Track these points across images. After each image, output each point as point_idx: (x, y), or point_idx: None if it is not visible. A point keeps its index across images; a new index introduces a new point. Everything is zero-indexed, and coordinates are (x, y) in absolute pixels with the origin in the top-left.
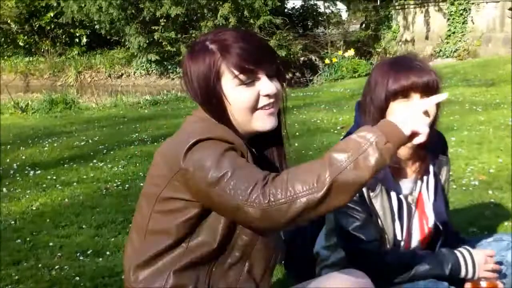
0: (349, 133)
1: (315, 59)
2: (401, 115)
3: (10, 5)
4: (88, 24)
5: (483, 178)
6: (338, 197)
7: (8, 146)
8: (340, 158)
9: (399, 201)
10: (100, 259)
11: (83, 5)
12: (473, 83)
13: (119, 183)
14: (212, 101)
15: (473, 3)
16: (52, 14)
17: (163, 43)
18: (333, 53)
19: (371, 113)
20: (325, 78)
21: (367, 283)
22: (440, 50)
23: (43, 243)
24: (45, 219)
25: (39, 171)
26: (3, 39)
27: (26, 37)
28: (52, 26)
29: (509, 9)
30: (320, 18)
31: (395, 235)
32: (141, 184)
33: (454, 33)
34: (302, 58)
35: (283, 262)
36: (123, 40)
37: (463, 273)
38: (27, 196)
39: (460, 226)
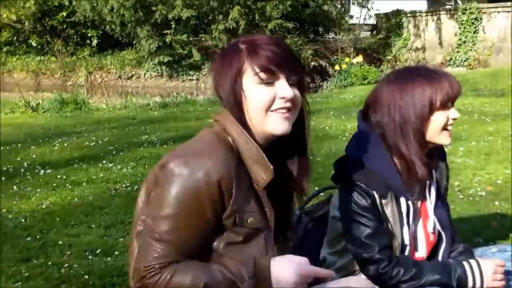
0: (352, 146)
1: (325, 65)
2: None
3: (29, 4)
4: (99, 25)
5: (490, 189)
6: None
7: (19, 145)
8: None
9: (408, 207)
10: (109, 258)
11: (95, 5)
12: (482, 93)
13: (128, 184)
14: (232, 97)
15: (484, 13)
16: (64, 14)
17: (175, 46)
18: (342, 59)
19: (409, 129)
20: (334, 84)
21: None
22: (451, 59)
23: (52, 241)
24: (55, 218)
25: (49, 170)
26: (15, 38)
27: (38, 36)
28: (64, 26)
29: None
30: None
31: (403, 240)
32: None
33: (465, 42)
34: (312, 64)
35: None
36: (134, 42)
37: (470, 284)
38: (37, 195)
39: (465, 236)
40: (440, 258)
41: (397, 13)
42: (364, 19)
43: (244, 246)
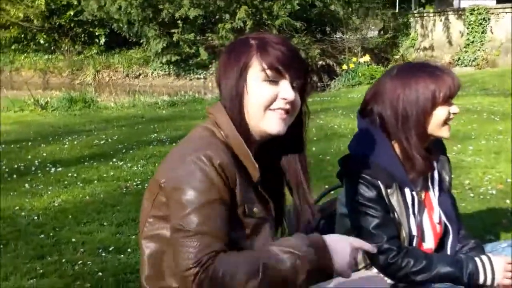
0: (355, 144)
1: (333, 64)
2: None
3: (38, 2)
4: (107, 24)
5: (501, 187)
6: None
7: (29, 143)
8: (280, 257)
9: (412, 197)
10: (122, 255)
11: (103, 4)
12: (491, 92)
13: (138, 182)
14: (234, 90)
15: (492, 13)
16: (72, 13)
17: (182, 45)
18: (350, 59)
19: (411, 122)
20: (342, 84)
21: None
22: (459, 59)
23: (65, 238)
24: (67, 215)
25: (60, 168)
26: (23, 36)
27: (46, 35)
28: (72, 25)
29: None
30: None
31: (410, 231)
32: None
33: (473, 42)
34: (320, 63)
35: None
36: (141, 41)
37: (481, 279)
38: (49, 193)
39: (477, 234)
40: (448, 251)
41: (405, 13)
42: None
43: (253, 237)
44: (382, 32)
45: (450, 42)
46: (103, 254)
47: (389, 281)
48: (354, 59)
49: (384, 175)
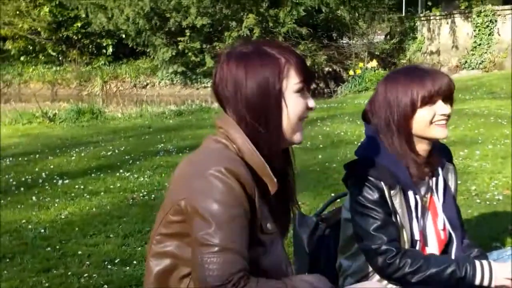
0: (362, 149)
1: (339, 70)
2: None
3: (43, 12)
4: (114, 34)
5: (507, 193)
6: None
7: (37, 155)
8: None
9: (416, 201)
10: (127, 268)
11: (110, 16)
12: (498, 95)
13: (145, 193)
14: (267, 104)
15: (499, 15)
16: (79, 25)
17: (188, 54)
18: (356, 64)
19: (393, 126)
20: (349, 89)
21: None
22: (466, 62)
23: (72, 251)
24: (74, 227)
25: (67, 180)
26: (31, 48)
27: (54, 46)
28: (79, 36)
29: None
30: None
31: (412, 234)
32: None
33: (480, 44)
34: (326, 69)
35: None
36: (148, 51)
37: (477, 280)
38: (56, 205)
39: (483, 241)
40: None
41: (411, 16)
42: None
43: (268, 254)
44: (388, 36)
45: (457, 46)
46: (109, 267)
47: (389, 286)
48: (361, 64)
49: (388, 176)
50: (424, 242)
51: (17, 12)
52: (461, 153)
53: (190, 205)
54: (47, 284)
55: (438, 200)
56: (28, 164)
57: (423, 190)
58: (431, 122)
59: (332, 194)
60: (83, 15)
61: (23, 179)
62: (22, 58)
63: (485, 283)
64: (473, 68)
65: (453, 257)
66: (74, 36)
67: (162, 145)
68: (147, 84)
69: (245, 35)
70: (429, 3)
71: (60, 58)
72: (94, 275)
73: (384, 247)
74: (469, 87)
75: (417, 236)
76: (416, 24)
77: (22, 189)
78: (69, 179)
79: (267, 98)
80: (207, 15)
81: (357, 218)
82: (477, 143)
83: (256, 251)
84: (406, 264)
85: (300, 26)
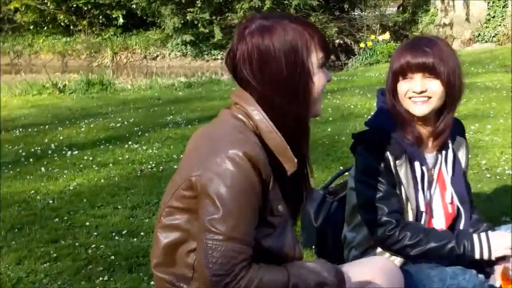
0: (370, 119)
1: (350, 43)
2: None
3: None
4: (124, 5)
5: None
6: None
7: (47, 126)
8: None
9: (422, 172)
10: (135, 239)
11: None
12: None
13: (153, 165)
14: (295, 79)
15: None
16: None
17: (198, 25)
18: (368, 37)
19: (387, 92)
20: (360, 62)
21: (395, 270)
22: (479, 35)
23: (80, 222)
24: (82, 199)
25: (76, 152)
26: (41, 19)
27: (63, 17)
28: (89, 7)
29: None
30: (357, 1)
31: (418, 206)
32: (175, 166)
33: (493, 17)
34: (337, 41)
35: (313, 247)
36: (158, 21)
37: (477, 254)
38: (64, 176)
39: (493, 215)
40: None
41: None
42: None
43: (277, 235)
44: (401, 8)
45: (470, 18)
46: (116, 238)
47: (397, 261)
48: (372, 37)
49: (394, 146)
50: (431, 215)
51: None
52: (472, 127)
53: (202, 184)
54: (55, 255)
55: (447, 173)
56: (38, 135)
57: (431, 163)
58: (407, 97)
59: (341, 167)
60: None
61: (32, 150)
62: (31, 28)
63: (485, 256)
64: (486, 41)
65: None
66: (84, 7)
67: (171, 117)
68: (157, 56)
69: (256, 6)
70: None
71: (70, 28)
72: (101, 246)
73: (384, 218)
74: (481, 60)
75: (422, 208)
76: None
77: (31, 160)
78: (78, 150)
79: (296, 72)
80: None
81: (360, 188)
82: (489, 117)
83: (263, 231)
84: (406, 237)
85: None
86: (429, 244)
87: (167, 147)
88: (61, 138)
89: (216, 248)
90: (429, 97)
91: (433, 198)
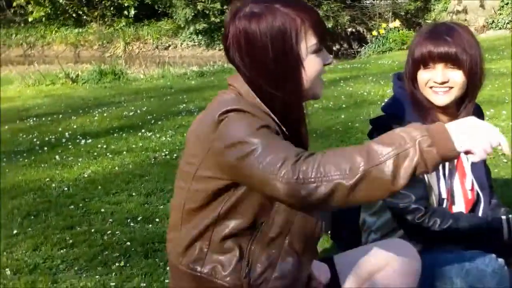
0: (386, 105)
1: (363, 31)
2: (462, 125)
3: None
4: None
5: None
6: (368, 192)
7: (60, 116)
8: (379, 151)
9: None
10: (150, 225)
11: None
12: None
13: (167, 152)
14: (283, 64)
15: None
16: None
17: (209, 14)
18: (380, 25)
19: (406, 79)
20: (372, 50)
21: (413, 253)
22: (493, 22)
23: (95, 209)
24: (97, 186)
25: (90, 140)
26: (53, 10)
27: (75, 8)
28: None
29: None
30: None
31: (440, 193)
32: None
33: (507, 4)
34: (349, 30)
35: (329, 233)
36: (170, 12)
37: (505, 234)
38: (79, 164)
39: (509, 200)
40: None
41: None
42: None
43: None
44: None
45: (484, 5)
46: (132, 224)
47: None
48: (384, 25)
49: None
50: (452, 201)
51: None
52: (487, 113)
53: (217, 150)
54: (71, 241)
55: (466, 160)
56: (52, 124)
57: None
58: (428, 86)
59: None
60: None
61: (47, 139)
62: (44, 20)
63: None
64: (500, 28)
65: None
66: None
67: (184, 105)
68: (169, 46)
69: None
70: None
71: (82, 20)
72: (117, 232)
73: (412, 205)
74: (496, 47)
75: (444, 195)
76: None
77: (45, 148)
78: (92, 138)
79: (283, 59)
80: None
81: None
82: (504, 103)
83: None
84: (436, 223)
85: None
86: (459, 228)
87: (180, 134)
88: (74, 127)
89: (264, 158)
90: (451, 87)
91: (453, 184)
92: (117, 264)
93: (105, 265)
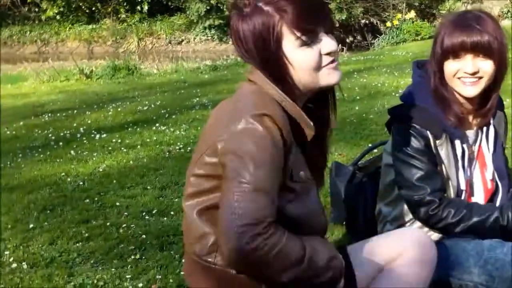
0: (405, 94)
1: (376, 22)
2: None
3: None
4: None
5: None
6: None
7: (75, 111)
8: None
9: (463, 150)
10: (165, 218)
11: None
12: None
13: (181, 146)
14: (271, 63)
15: None
16: None
17: (222, 9)
18: (394, 16)
19: (432, 67)
20: (386, 42)
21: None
22: (508, 11)
23: (110, 203)
24: (112, 180)
25: (104, 135)
26: (66, 7)
27: (88, 4)
28: None
29: None
30: None
31: (458, 184)
32: None
33: None
34: (363, 21)
35: (344, 223)
36: (183, 7)
37: None
38: (94, 159)
39: None
40: None
41: None
42: None
43: (300, 202)
44: None
45: None
46: (147, 217)
47: (434, 236)
48: (398, 15)
49: (434, 125)
50: (471, 193)
51: None
52: (504, 103)
53: (227, 147)
54: (87, 235)
55: (488, 150)
56: (66, 119)
57: (471, 140)
58: (456, 77)
59: (369, 145)
60: None
61: (62, 134)
62: (58, 17)
63: None
64: None
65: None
66: None
67: (197, 99)
68: (182, 41)
69: None
70: None
71: (95, 16)
72: (132, 226)
73: (427, 198)
74: (511, 37)
75: (463, 186)
76: None
77: (60, 143)
78: (106, 133)
79: (270, 61)
80: None
81: (400, 166)
82: None
83: (284, 195)
84: (449, 214)
85: None
86: (473, 218)
87: (194, 128)
88: (89, 122)
89: (244, 197)
90: (480, 78)
91: (473, 175)
92: (132, 257)
93: (121, 258)
